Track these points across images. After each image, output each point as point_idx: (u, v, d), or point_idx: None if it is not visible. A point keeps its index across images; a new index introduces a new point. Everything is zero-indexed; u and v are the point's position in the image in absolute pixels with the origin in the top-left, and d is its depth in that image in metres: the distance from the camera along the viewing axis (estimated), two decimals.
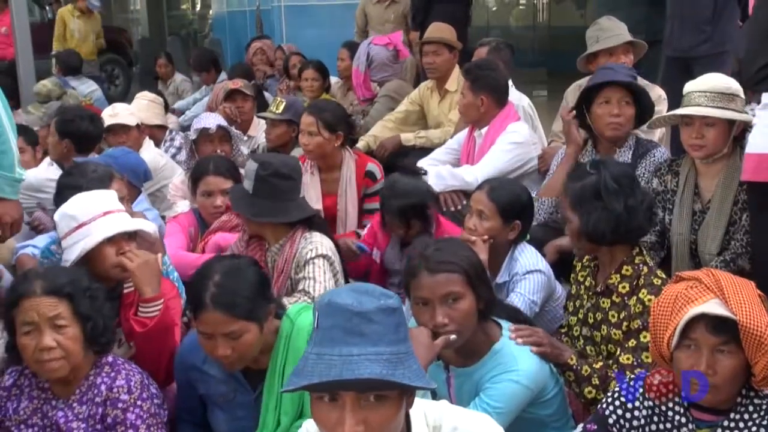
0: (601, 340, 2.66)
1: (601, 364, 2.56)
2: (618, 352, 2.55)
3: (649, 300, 2.51)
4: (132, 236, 2.73)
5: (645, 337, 2.48)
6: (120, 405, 2.32)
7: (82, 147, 4.30)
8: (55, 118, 4.53)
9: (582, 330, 2.75)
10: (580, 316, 2.77)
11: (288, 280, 3.07)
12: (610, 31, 4.10)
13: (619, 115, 3.45)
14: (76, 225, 2.68)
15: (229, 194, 3.35)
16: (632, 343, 2.53)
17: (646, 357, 2.46)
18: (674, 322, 1.92)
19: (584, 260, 2.82)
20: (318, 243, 3.05)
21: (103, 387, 2.35)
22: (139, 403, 2.34)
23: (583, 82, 4.11)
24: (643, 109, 3.52)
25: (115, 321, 2.48)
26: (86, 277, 2.41)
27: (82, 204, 2.73)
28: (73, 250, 2.64)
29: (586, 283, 2.77)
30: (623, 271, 2.62)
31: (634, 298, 2.56)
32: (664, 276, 2.60)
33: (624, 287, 2.60)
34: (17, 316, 2.29)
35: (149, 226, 2.80)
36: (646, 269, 2.60)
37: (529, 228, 3.17)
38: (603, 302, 2.66)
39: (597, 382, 2.50)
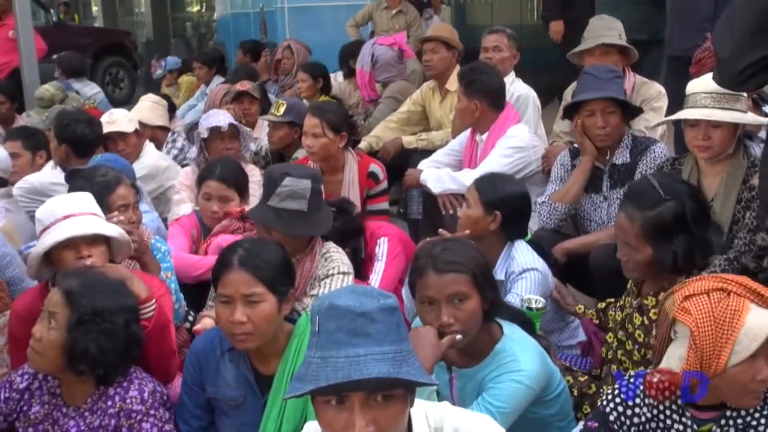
0: (624, 353, 2.67)
1: (585, 378, 2.60)
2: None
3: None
4: (97, 240, 2.67)
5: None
6: (134, 416, 2.33)
7: (81, 151, 4.29)
8: (54, 123, 4.54)
9: (618, 333, 2.74)
10: (618, 318, 2.75)
11: (303, 297, 3.04)
12: (594, 32, 4.11)
13: (604, 126, 3.45)
14: (41, 229, 2.68)
15: (265, 223, 3.03)
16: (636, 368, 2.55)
17: None
18: (730, 341, 1.85)
19: None
20: (339, 261, 3.06)
21: (116, 398, 2.36)
22: (152, 412, 2.35)
23: None
24: (632, 109, 3.55)
25: (127, 363, 2.43)
26: (113, 305, 2.35)
27: (48, 208, 2.72)
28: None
29: (631, 287, 2.76)
30: (660, 297, 2.52)
31: (646, 339, 2.54)
32: None
33: (655, 314, 2.52)
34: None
35: (113, 230, 2.73)
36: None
37: (518, 224, 3.15)
38: (635, 317, 2.65)
39: (576, 393, 2.57)
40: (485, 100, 4.04)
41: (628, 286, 2.81)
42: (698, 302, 1.91)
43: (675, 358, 1.95)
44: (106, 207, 3.07)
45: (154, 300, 2.62)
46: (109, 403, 2.36)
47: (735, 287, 1.90)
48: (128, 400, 2.35)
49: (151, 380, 2.42)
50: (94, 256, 2.64)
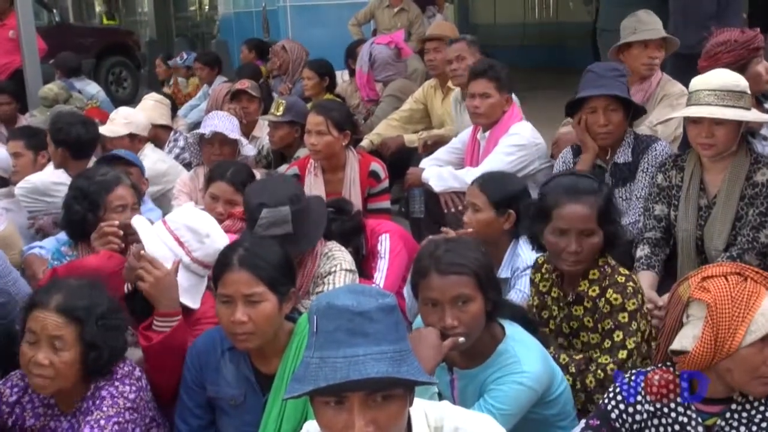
0: (583, 347, 2.68)
1: (581, 356, 2.62)
2: (597, 354, 2.59)
3: (616, 299, 2.56)
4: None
5: (618, 336, 2.54)
6: (88, 417, 2.28)
7: (78, 153, 4.25)
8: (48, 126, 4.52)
9: (558, 340, 2.75)
10: (552, 326, 2.76)
11: (307, 296, 3.04)
12: (648, 24, 4.08)
13: (606, 124, 3.44)
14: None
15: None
16: (607, 344, 2.57)
17: (622, 354, 2.53)
18: (747, 320, 1.90)
19: (543, 270, 2.80)
20: (341, 259, 3.06)
21: (103, 392, 2.33)
22: (101, 422, 2.27)
23: None
24: (636, 107, 3.53)
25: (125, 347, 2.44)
26: (108, 303, 2.36)
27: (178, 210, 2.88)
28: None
29: (553, 294, 2.75)
30: (590, 276, 2.64)
31: (603, 299, 2.59)
32: (627, 272, 2.64)
33: (594, 290, 2.62)
34: (28, 321, 2.30)
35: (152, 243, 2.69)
36: (609, 269, 2.63)
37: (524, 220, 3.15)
38: (576, 310, 2.67)
39: (574, 370, 2.56)
40: (510, 94, 4.07)
41: (535, 302, 2.81)
42: (717, 282, 1.96)
43: (689, 338, 1.97)
44: (104, 207, 3.06)
45: (177, 317, 2.57)
46: (97, 394, 2.34)
47: (752, 274, 1.96)
48: (98, 401, 2.32)
49: (136, 389, 2.37)
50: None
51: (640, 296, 2.61)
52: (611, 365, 2.53)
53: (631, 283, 2.60)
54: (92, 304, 2.30)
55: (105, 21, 18.19)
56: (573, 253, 2.59)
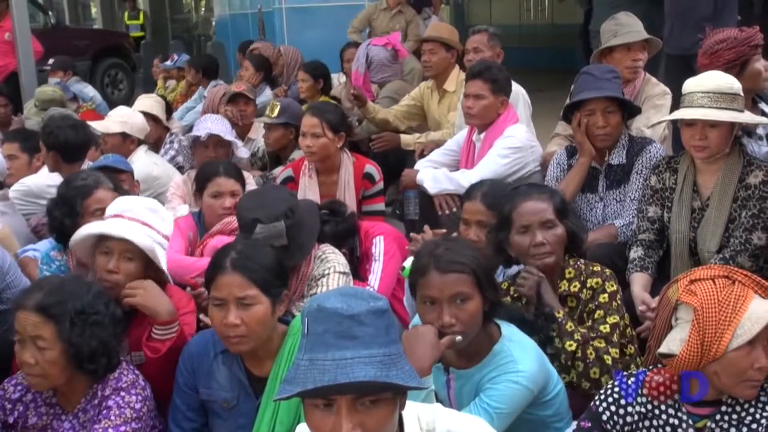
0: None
1: (584, 330, 2.66)
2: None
3: (597, 282, 2.66)
4: (133, 257, 2.66)
5: (599, 314, 2.64)
6: (96, 425, 2.31)
7: (69, 156, 4.24)
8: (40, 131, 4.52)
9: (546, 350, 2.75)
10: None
11: (301, 299, 3.03)
12: (628, 27, 4.06)
13: (605, 126, 3.44)
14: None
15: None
16: (589, 323, 2.65)
17: (604, 328, 2.62)
18: (733, 324, 1.90)
19: (512, 292, 2.81)
20: (334, 262, 3.05)
21: (110, 401, 2.36)
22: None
23: None
24: (631, 107, 3.53)
25: (119, 342, 2.45)
26: (90, 297, 2.35)
27: (114, 203, 2.79)
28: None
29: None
30: (567, 275, 2.71)
31: (585, 289, 2.67)
32: (599, 265, 2.75)
33: (575, 286, 2.70)
34: (15, 322, 2.32)
35: (145, 242, 2.68)
36: (583, 265, 2.73)
37: None
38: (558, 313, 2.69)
39: (579, 337, 2.58)
40: (507, 97, 4.06)
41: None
42: (704, 286, 1.96)
43: (676, 342, 1.98)
44: (82, 212, 3.06)
45: (176, 323, 2.60)
46: (99, 394, 2.36)
47: (740, 277, 1.96)
48: (105, 410, 2.34)
49: (141, 399, 2.38)
50: (120, 274, 2.64)
51: (616, 281, 2.71)
52: (598, 339, 2.58)
53: (607, 270, 2.71)
54: (68, 300, 2.30)
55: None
56: (540, 244, 2.67)
